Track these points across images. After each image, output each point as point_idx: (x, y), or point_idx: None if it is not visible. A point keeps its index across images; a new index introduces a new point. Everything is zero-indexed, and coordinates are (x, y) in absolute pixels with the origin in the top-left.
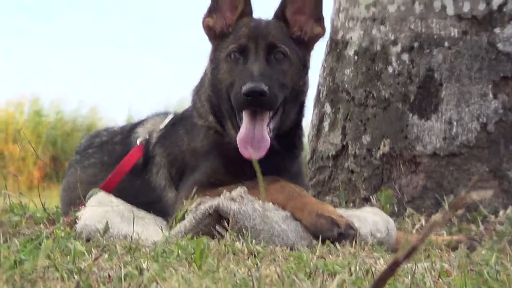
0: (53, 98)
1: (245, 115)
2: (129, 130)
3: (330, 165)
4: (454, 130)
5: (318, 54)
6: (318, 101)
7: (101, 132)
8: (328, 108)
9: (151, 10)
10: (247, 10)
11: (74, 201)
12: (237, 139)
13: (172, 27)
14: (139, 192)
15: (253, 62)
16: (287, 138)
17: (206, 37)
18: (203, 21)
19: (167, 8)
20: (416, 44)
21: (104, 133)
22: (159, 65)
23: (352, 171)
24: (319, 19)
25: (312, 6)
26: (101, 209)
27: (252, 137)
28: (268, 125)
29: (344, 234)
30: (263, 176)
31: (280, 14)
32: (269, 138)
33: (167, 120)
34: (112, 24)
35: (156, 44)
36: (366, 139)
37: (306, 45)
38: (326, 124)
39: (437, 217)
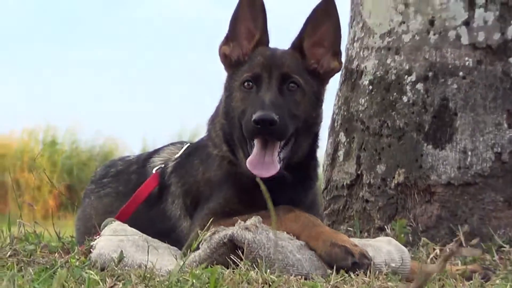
0: (69, 127)
1: (256, 143)
2: (145, 159)
3: (345, 194)
4: (469, 159)
5: (333, 83)
6: (332, 130)
7: (116, 161)
8: (342, 137)
9: (168, 38)
10: (264, 39)
11: (89, 230)
12: (247, 162)
13: (189, 55)
14: (154, 221)
15: (265, 91)
16: (300, 169)
17: (222, 65)
18: (220, 49)
19: (184, 37)
20: (430, 74)
21: (120, 162)
22: (174, 94)
23: (367, 201)
24: (337, 54)
25: (331, 40)
26: (116, 239)
27: (262, 160)
28: (278, 154)
29: (358, 263)
30: (278, 206)
31: (298, 45)
32: (278, 165)
33: (182, 150)
34: (128, 53)
35: (172, 73)
36: (380, 168)
37: (321, 78)
38: (340, 153)
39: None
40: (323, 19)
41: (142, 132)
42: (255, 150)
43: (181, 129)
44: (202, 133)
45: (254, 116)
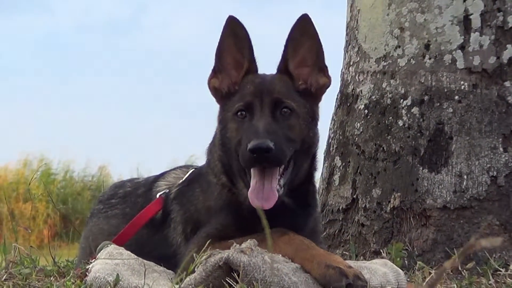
0: (63, 157)
1: (253, 172)
2: (151, 182)
3: (341, 218)
4: (464, 183)
5: (329, 107)
6: (328, 155)
7: (125, 182)
8: (338, 162)
9: (158, 69)
10: (252, 67)
11: (95, 250)
12: (248, 194)
13: (181, 86)
14: (156, 245)
15: (259, 119)
16: (300, 194)
17: (213, 98)
18: (209, 83)
19: (176, 68)
20: (426, 98)
21: (128, 184)
22: (168, 123)
23: (363, 225)
24: (323, 69)
25: (314, 57)
26: (112, 262)
27: (261, 190)
28: (279, 181)
29: (352, 284)
30: (272, 229)
31: (283, 68)
32: (277, 193)
33: (186, 175)
34: (119, 83)
35: (165, 103)
36: (376, 192)
37: (313, 97)
38: (336, 177)
39: (446, 264)
40: (302, 38)
41: (136, 163)
42: (252, 181)
43: (174, 160)
44: (196, 162)
45: (249, 146)
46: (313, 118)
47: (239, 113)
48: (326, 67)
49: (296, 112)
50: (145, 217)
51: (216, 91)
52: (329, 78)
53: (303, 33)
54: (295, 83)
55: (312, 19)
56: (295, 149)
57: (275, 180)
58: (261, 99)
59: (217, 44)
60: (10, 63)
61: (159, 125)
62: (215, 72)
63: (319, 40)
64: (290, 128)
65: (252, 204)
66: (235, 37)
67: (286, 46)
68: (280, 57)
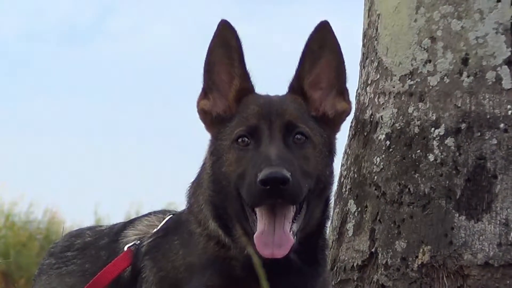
0: (3, 201)
1: (260, 213)
2: (118, 231)
3: (355, 278)
4: None
5: (340, 137)
6: (340, 197)
7: (85, 231)
8: (352, 206)
9: (127, 87)
10: (246, 85)
11: None
12: (254, 237)
13: (156, 108)
14: None
15: (268, 145)
16: (308, 249)
17: (202, 125)
18: (198, 105)
19: (151, 85)
20: (463, 126)
21: (89, 232)
22: (136, 157)
23: (383, 286)
24: (342, 92)
25: (333, 76)
26: None
27: (272, 234)
28: (291, 227)
29: None
30: None
31: (297, 87)
32: (292, 238)
33: (162, 223)
34: (73, 103)
35: (136, 128)
36: (400, 245)
37: (330, 125)
38: (350, 226)
39: None
40: (320, 50)
41: (93, 206)
42: (260, 224)
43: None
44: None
45: (261, 175)
46: (330, 151)
47: (240, 140)
48: (347, 89)
49: (312, 141)
50: (110, 275)
51: (205, 116)
52: (349, 103)
53: (322, 45)
54: (310, 106)
55: (332, 28)
56: (310, 188)
57: (288, 223)
58: (269, 122)
59: (205, 56)
60: None
61: (125, 158)
62: (205, 91)
63: (341, 55)
64: (305, 159)
65: (261, 253)
66: (226, 47)
67: (302, 60)
68: (294, 73)
